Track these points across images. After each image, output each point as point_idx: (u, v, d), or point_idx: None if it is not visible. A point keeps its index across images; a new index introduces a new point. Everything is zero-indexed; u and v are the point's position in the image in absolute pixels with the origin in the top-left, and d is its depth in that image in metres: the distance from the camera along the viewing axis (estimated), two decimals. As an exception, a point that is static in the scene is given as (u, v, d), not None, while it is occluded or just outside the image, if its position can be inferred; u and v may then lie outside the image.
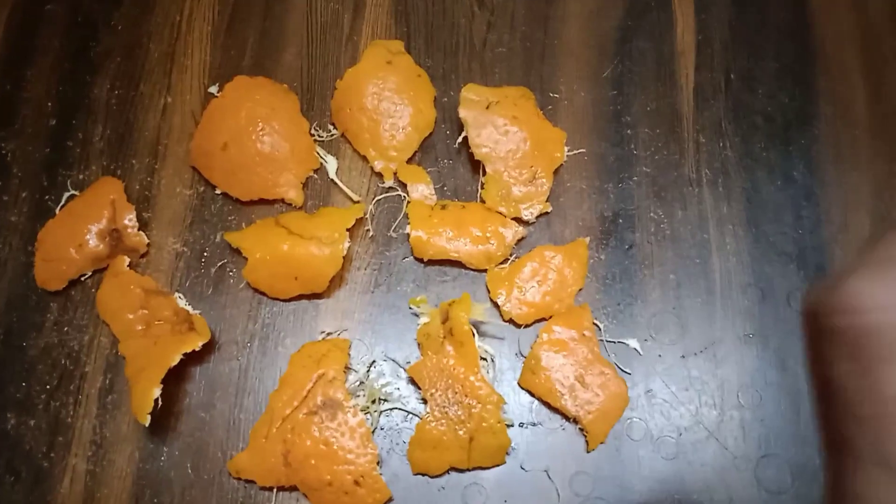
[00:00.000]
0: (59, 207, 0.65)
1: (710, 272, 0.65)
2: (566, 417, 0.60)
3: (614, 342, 0.63)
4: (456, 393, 0.58)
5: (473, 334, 0.59)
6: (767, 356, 0.63)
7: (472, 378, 0.58)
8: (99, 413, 0.61)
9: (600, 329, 0.62)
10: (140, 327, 0.61)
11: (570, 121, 0.69)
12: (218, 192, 0.66)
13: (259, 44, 0.71)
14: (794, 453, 0.61)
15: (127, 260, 0.63)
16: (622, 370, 0.62)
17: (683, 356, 0.62)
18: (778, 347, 0.63)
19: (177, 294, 0.63)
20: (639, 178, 0.67)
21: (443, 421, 0.58)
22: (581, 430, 0.60)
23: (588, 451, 0.60)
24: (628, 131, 0.68)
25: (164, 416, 0.60)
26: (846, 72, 0.71)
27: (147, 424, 0.55)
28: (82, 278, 0.64)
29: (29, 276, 0.64)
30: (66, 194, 0.66)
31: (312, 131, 0.67)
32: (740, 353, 0.63)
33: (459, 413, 0.58)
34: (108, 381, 0.62)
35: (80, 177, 0.67)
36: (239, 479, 0.59)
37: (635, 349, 0.62)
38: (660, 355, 0.62)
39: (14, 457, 0.60)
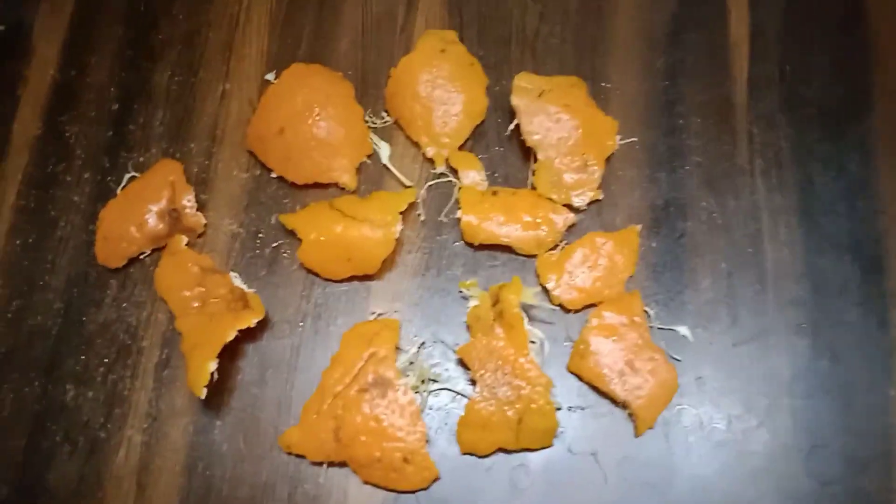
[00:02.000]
0: (120, 188, 0.67)
1: (762, 262, 0.64)
2: (614, 402, 0.60)
3: (664, 329, 0.62)
4: (505, 374, 0.58)
5: (523, 318, 0.59)
6: (819, 347, 0.62)
7: (521, 360, 0.58)
8: (155, 386, 0.62)
9: (650, 316, 0.62)
10: (196, 304, 0.63)
11: (622, 110, 0.69)
12: (273, 175, 0.67)
13: (315, 34, 0.72)
14: (845, 445, 0.60)
15: (185, 239, 0.65)
16: (672, 357, 0.61)
17: (735, 344, 0.62)
18: (830, 339, 0.62)
19: (232, 273, 0.64)
20: (691, 168, 0.67)
21: (492, 401, 0.58)
22: (629, 414, 0.60)
23: (636, 437, 0.60)
24: (680, 121, 0.68)
25: (218, 392, 0.61)
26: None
27: (203, 397, 0.56)
28: (141, 256, 0.66)
29: (90, 253, 0.66)
30: (127, 176, 0.68)
31: (366, 118, 0.69)
32: (792, 343, 0.62)
33: (508, 394, 0.58)
34: (164, 356, 0.63)
35: (141, 159, 0.69)
36: (290, 453, 0.60)
37: (685, 336, 0.62)
38: (710, 343, 0.62)
39: (72, 427, 0.62)
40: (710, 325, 0.63)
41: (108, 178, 0.68)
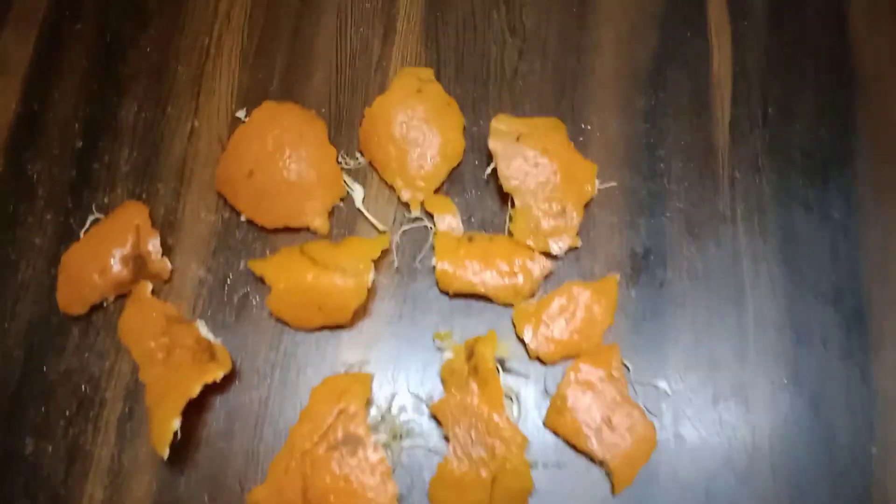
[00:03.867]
0: (83, 231, 0.65)
1: (743, 312, 0.63)
2: (591, 459, 0.59)
3: (644, 385, 0.61)
4: (479, 432, 0.57)
5: (498, 371, 0.58)
6: (801, 402, 0.61)
7: (495, 418, 0.57)
8: (118, 441, 0.60)
9: (629, 369, 0.61)
10: (161, 355, 0.61)
11: (602, 153, 0.67)
12: (243, 218, 0.65)
13: (287, 68, 0.70)
14: (832, 498, 0.59)
15: (150, 286, 0.63)
16: (650, 413, 0.60)
17: (714, 399, 0.61)
18: (813, 393, 0.61)
19: (198, 321, 0.62)
20: (672, 214, 0.65)
21: (465, 460, 0.57)
22: (606, 472, 0.58)
23: (613, 495, 0.58)
24: (661, 165, 0.67)
25: (183, 446, 0.59)
26: (887, 105, 0.70)
27: (166, 457, 0.54)
28: (104, 303, 0.63)
29: (51, 299, 0.63)
30: (91, 217, 0.65)
31: (340, 159, 0.67)
32: (773, 397, 0.61)
33: (482, 453, 0.56)
34: (127, 409, 0.61)
35: (105, 199, 0.67)
36: (256, 513, 0.58)
37: (664, 390, 0.61)
38: (690, 399, 0.61)
39: (31, 482, 0.60)
40: (690, 378, 0.61)
41: (71, 220, 0.66)
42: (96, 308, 0.63)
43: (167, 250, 0.64)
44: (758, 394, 0.61)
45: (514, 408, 0.60)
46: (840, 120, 0.69)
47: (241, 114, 0.68)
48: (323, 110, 0.69)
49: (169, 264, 0.64)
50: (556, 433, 0.60)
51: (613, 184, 0.66)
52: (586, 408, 0.59)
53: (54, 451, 0.60)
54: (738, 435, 0.60)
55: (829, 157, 0.67)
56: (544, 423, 0.60)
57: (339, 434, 0.57)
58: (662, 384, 0.61)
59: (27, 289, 0.64)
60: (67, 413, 0.61)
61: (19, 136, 0.69)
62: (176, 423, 0.55)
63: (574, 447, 0.59)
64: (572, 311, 0.62)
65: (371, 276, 0.60)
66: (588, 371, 0.60)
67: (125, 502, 0.59)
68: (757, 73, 0.70)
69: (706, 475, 0.59)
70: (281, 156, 0.64)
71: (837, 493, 0.59)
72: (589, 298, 0.62)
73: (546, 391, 0.61)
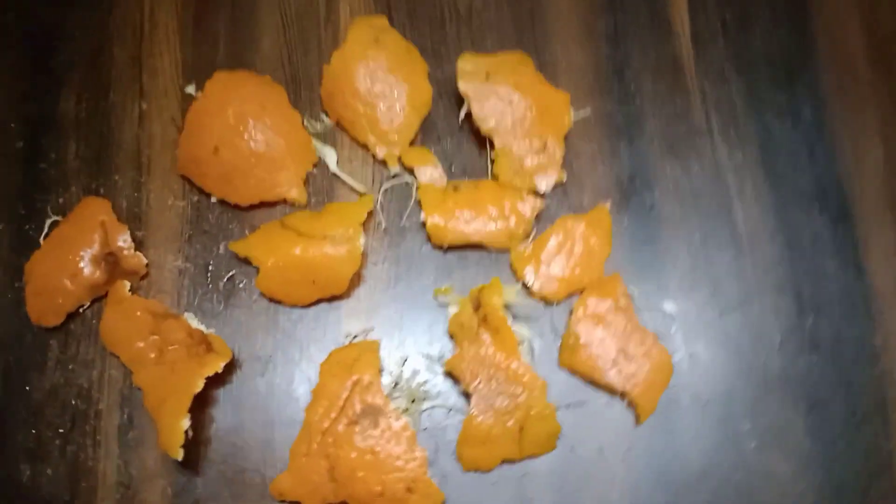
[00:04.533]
0: (42, 237, 0.60)
1: (734, 224, 0.63)
2: (611, 392, 0.59)
3: (650, 310, 0.60)
4: (500, 382, 0.56)
5: (508, 318, 0.57)
6: (803, 304, 0.62)
7: (513, 364, 0.56)
8: (122, 452, 0.57)
9: (634, 297, 0.60)
10: (153, 355, 0.57)
11: (571, 83, 0.66)
12: (214, 199, 0.61)
13: (232, 35, 0.66)
14: (841, 400, 0.60)
15: (127, 284, 0.59)
16: (662, 337, 0.60)
17: (721, 314, 0.61)
18: (812, 294, 0.62)
19: (186, 314, 0.59)
20: (650, 135, 0.65)
21: (490, 414, 0.55)
22: (629, 404, 0.58)
23: (638, 425, 0.58)
24: (631, 87, 0.66)
25: (193, 446, 0.56)
26: (839, 3, 0.70)
27: (180, 459, 0.51)
28: (81, 310, 0.59)
29: (21, 313, 0.59)
30: (49, 221, 0.61)
31: (305, 123, 0.63)
32: (776, 304, 0.61)
33: (506, 403, 0.55)
34: (125, 417, 0.58)
35: (60, 200, 0.62)
36: (283, 501, 0.56)
37: (671, 314, 0.60)
38: (697, 316, 0.61)
39: (35, 509, 0.56)
40: (694, 297, 0.61)
41: (27, 227, 0.61)
42: (73, 316, 0.59)
43: (139, 245, 0.60)
44: (761, 303, 0.61)
45: (529, 351, 0.58)
46: (795, 20, 0.68)
47: (190, 89, 0.64)
48: (278, 74, 0.65)
49: (144, 258, 0.60)
50: (572, 372, 0.59)
51: (588, 112, 0.65)
52: (600, 341, 0.58)
53: (54, 474, 0.57)
54: (749, 345, 0.60)
55: (792, 59, 0.67)
56: (559, 364, 0.59)
57: (357, 407, 0.55)
58: (669, 307, 0.61)
59: (-8, 307, 0.60)
60: (61, 431, 0.57)
61: (-49, 144, 0.63)
62: (185, 423, 0.52)
63: (592, 383, 0.59)
64: (570, 247, 0.60)
65: (362, 240, 0.57)
66: (596, 304, 0.59)
67: (142, 513, 0.56)
68: (711, -16, 0.69)
69: (725, 390, 0.59)
70: (245, 128, 0.61)
71: (851, 388, 0.60)
72: (584, 230, 0.61)
73: (555, 331, 0.60)
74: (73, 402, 0.58)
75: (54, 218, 0.61)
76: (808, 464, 0.58)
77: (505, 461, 0.57)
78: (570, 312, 0.59)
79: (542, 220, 0.62)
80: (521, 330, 0.59)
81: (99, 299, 0.60)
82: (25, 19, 0.66)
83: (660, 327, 0.60)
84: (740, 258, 0.62)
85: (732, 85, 0.66)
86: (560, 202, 0.63)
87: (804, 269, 0.62)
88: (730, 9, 0.69)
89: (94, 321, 0.59)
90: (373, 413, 0.55)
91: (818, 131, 0.66)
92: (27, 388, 0.58)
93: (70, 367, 0.59)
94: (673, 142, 0.65)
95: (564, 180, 0.62)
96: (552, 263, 0.60)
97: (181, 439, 0.52)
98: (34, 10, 0.66)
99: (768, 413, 0.59)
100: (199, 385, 0.53)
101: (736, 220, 0.63)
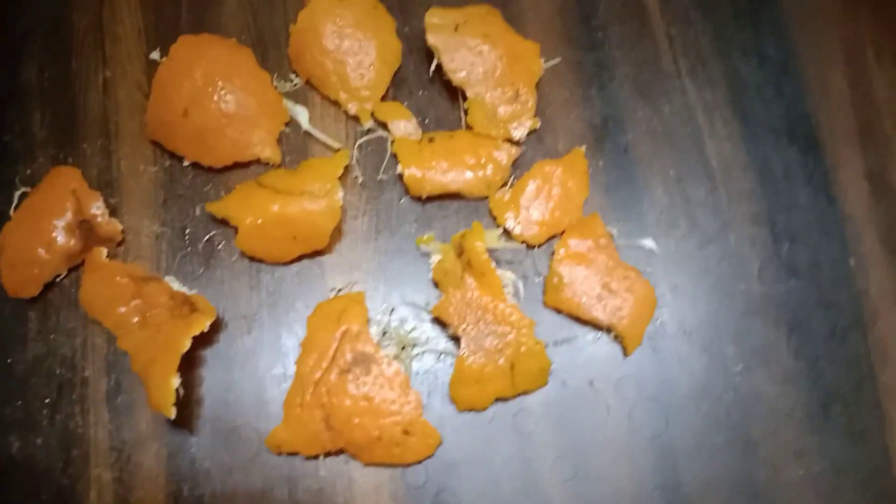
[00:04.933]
0: (13, 209, 0.59)
1: (707, 161, 0.64)
2: (598, 328, 0.59)
3: (630, 247, 0.61)
4: (488, 323, 0.56)
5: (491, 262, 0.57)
6: (778, 233, 0.63)
7: (500, 306, 0.56)
8: (112, 417, 0.56)
9: (614, 235, 0.61)
10: (136, 319, 0.57)
11: (540, 32, 0.66)
12: (186, 163, 0.61)
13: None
14: (821, 321, 0.62)
15: (104, 251, 0.58)
16: (644, 272, 0.60)
17: (699, 247, 0.62)
18: (787, 223, 0.63)
19: (167, 278, 0.58)
20: (620, 80, 0.65)
21: (480, 354, 0.56)
22: (615, 337, 0.59)
23: (626, 356, 0.59)
24: (599, 34, 0.66)
25: (185, 406, 0.56)
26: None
27: (173, 417, 0.51)
28: (58, 279, 0.58)
29: (-3, 287, 0.58)
30: (17, 193, 0.60)
31: (274, 83, 0.63)
32: (751, 234, 0.63)
33: (496, 342, 0.56)
34: (113, 382, 0.57)
35: (28, 171, 0.61)
36: (281, 453, 0.55)
37: (651, 249, 0.61)
38: (676, 251, 0.62)
39: (29, 480, 0.55)
40: (672, 233, 0.62)
41: (-4, 200, 0.60)
42: (50, 286, 0.58)
43: (113, 211, 0.60)
44: (737, 234, 0.62)
45: (514, 293, 0.59)
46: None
47: (155, 55, 0.63)
48: (244, 37, 0.64)
49: (119, 225, 0.59)
50: (558, 310, 0.60)
51: (558, 59, 0.65)
52: (583, 279, 0.59)
53: (45, 443, 0.56)
54: (729, 274, 0.61)
55: (754, -2, 0.69)
56: (545, 304, 0.60)
57: (348, 356, 0.55)
58: (648, 243, 0.61)
59: (-35, 283, 0.58)
60: (48, 401, 0.57)
61: None
62: (176, 381, 0.51)
63: (578, 319, 0.59)
64: (548, 190, 0.61)
65: (340, 193, 0.57)
66: (577, 244, 0.59)
67: (139, 475, 0.56)
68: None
69: (708, 318, 0.60)
70: (214, 89, 0.60)
71: (830, 308, 0.62)
72: (561, 174, 0.61)
73: (538, 272, 0.60)
74: (58, 371, 0.57)
75: (23, 189, 0.60)
76: (793, 382, 0.60)
77: (499, 399, 0.57)
78: (552, 254, 0.60)
79: (518, 167, 0.62)
80: (504, 273, 0.59)
81: (76, 268, 0.59)
82: (-19, -10, 0.64)
83: (641, 263, 0.61)
84: (715, 192, 0.63)
85: (698, 27, 0.67)
86: (535, 149, 0.63)
87: (777, 199, 0.63)
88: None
89: (72, 290, 0.58)
90: (364, 360, 0.55)
91: (784, 66, 0.67)
92: (9, 360, 0.57)
93: (52, 336, 0.58)
94: (643, 85, 0.65)
95: (538, 127, 0.63)
96: (531, 208, 0.61)
97: (172, 398, 0.51)
98: (-11, -20, 0.65)
99: (752, 337, 0.60)
100: (187, 344, 0.52)
101: (708, 157, 0.64)
